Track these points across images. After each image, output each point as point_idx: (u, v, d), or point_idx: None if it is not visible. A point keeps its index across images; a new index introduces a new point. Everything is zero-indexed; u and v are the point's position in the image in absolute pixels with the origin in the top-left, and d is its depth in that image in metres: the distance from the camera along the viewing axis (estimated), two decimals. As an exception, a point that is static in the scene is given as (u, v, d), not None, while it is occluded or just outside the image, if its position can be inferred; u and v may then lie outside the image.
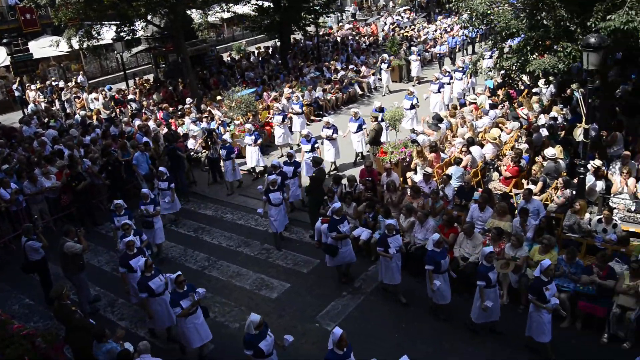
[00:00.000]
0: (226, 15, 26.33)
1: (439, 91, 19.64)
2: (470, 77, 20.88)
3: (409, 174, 13.62)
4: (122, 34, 22.60)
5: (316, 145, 15.01)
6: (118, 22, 22.10)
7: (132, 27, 22.53)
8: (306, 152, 14.87)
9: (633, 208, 11.32)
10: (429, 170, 12.42)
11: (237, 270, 11.84)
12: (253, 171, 16.56)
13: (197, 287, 8.95)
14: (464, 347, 9.05)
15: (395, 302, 10.20)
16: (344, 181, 12.74)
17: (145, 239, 10.95)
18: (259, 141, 16.06)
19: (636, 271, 8.56)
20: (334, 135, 15.61)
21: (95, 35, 21.45)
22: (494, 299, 8.75)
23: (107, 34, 23.07)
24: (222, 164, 15.73)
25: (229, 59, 31.61)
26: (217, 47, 34.49)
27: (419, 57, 25.60)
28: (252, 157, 16.14)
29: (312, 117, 21.04)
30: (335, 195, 12.13)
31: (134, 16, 20.71)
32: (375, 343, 9.03)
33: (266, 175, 13.53)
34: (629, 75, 15.77)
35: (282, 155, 16.89)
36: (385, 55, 25.28)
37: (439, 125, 15.72)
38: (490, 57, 18.37)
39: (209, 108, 20.19)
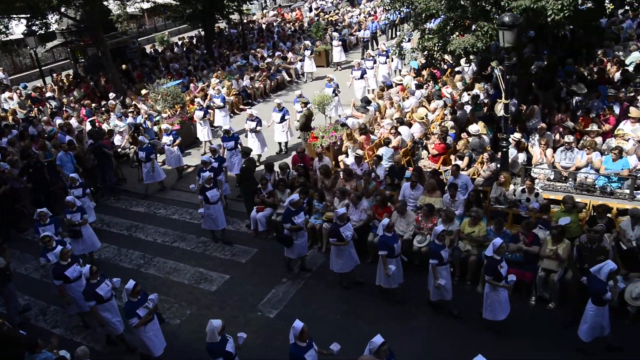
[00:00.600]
0: (146, 5, 25.48)
1: (361, 77, 19.44)
2: (396, 59, 21.23)
3: (340, 158, 13.78)
4: (34, 27, 21.31)
5: (239, 142, 14.60)
6: (28, 15, 20.85)
7: (44, 20, 21.29)
8: (228, 149, 14.35)
9: (552, 177, 11.99)
10: (359, 152, 12.60)
11: (175, 265, 11.64)
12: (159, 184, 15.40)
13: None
14: (406, 325, 9.27)
15: (377, 296, 10.00)
16: (277, 168, 12.73)
17: (70, 248, 9.82)
18: (178, 141, 15.38)
19: (557, 236, 9.08)
20: (258, 128, 15.31)
21: (3, 29, 20.21)
22: (446, 276, 8.92)
23: (18, 28, 21.77)
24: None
25: (152, 50, 30.65)
26: (139, 39, 33.32)
27: (340, 42, 25.44)
28: (172, 159, 15.45)
29: (241, 106, 20.82)
30: (268, 183, 12.12)
31: (46, 8, 19.63)
32: (319, 327, 9.09)
33: (197, 175, 12.93)
34: (542, 51, 16.56)
35: (205, 152, 16.46)
36: (308, 42, 25.17)
37: (367, 107, 15.96)
38: (409, 40, 18.62)
39: (134, 102, 19.56)
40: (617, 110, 13.29)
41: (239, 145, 14.42)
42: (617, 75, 15.67)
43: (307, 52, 24.09)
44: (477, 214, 9.82)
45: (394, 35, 28.95)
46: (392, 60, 21.67)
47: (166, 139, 15.29)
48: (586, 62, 16.80)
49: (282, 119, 15.89)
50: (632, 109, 12.63)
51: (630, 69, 15.86)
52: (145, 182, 14.72)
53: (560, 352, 8.33)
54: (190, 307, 10.12)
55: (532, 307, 9.31)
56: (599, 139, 12.25)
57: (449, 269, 9.15)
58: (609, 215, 10.09)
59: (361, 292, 10.13)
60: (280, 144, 16.49)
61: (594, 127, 12.33)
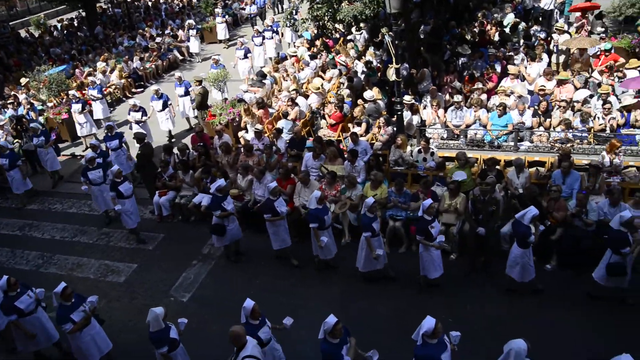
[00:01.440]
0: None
1: (245, 57, 18.60)
2: (289, 31, 21.10)
3: (240, 134, 13.65)
4: None
5: (124, 140, 13.66)
6: None
7: None
8: (112, 149, 13.06)
9: (445, 135, 12.58)
10: (259, 127, 12.53)
11: (77, 261, 11.09)
12: (52, 177, 14.35)
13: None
14: (325, 294, 9.40)
15: (290, 266, 10.08)
16: (176, 150, 12.39)
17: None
18: (51, 141, 14.11)
19: (453, 191, 9.60)
20: (144, 118, 14.42)
21: None
22: (379, 246, 8.96)
23: None
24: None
25: (27, 35, 28.43)
26: (11, 23, 30.80)
27: (224, 19, 24.61)
28: (52, 162, 14.03)
29: (133, 90, 19.95)
30: (169, 165, 11.78)
31: None
32: (231, 305, 9.06)
33: (82, 176, 11.83)
34: (428, 16, 17.12)
35: (86, 148, 15.33)
36: (192, 22, 24.26)
37: (264, 81, 15.84)
38: (296, 13, 18.41)
39: (13, 92, 18.14)
40: (498, 68, 14.13)
41: (123, 145, 13.43)
42: (497, 36, 16.62)
43: (192, 32, 23.28)
44: (377, 178, 10.14)
45: (281, 10, 28.57)
46: (282, 35, 21.46)
47: (37, 140, 13.79)
48: (468, 25, 17.60)
49: (165, 106, 15.01)
50: (510, 66, 13.48)
51: (507, 29, 16.87)
52: (16, 192, 13.29)
53: (458, 297, 8.91)
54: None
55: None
56: (484, 97, 12.96)
57: (382, 240, 9.23)
58: (497, 167, 10.81)
59: (272, 266, 10.20)
60: (169, 132, 15.59)
61: (479, 86, 13.04)
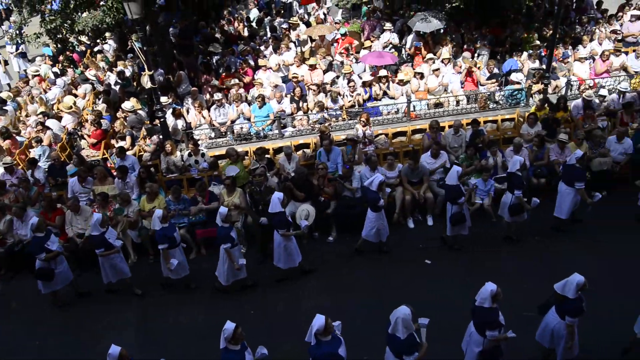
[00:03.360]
0: None
1: None
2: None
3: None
4: None
5: None
6: None
7: None
8: None
9: (213, 135, 12.68)
10: (8, 159, 11.15)
11: None
12: None
13: None
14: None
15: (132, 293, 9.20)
16: None
17: None
18: None
19: (230, 187, 9.73)
20: None
21: None
22: (240, 255, 8.75)
23: None
24: None
25: None
26: None
27: None
28: None
29: None
30: None
31: None
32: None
33: None
34: (176, 18, 17.01)
35: None
36: None
37: (5, 108, 14.07)
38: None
39: None
40: (252, 62, 14.64)
41: None
42: (245, 31, 17.21)
43: None
44: (153, 189, 9.82)
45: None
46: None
47: None
48: (216, 23, 17.90)
49: None
50: (260, 60, 14.15)
51: (254, 24, 17.58)
52: None
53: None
54: None
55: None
56: (242, 91, 13.34)
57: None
58: (268, 156, 11.27)
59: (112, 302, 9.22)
60: None
61: (235, 81, 13.37)
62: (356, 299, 8.73)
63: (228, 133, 12.59)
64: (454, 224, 9.32)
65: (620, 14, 16.99)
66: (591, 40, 15.23)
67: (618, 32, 15.90)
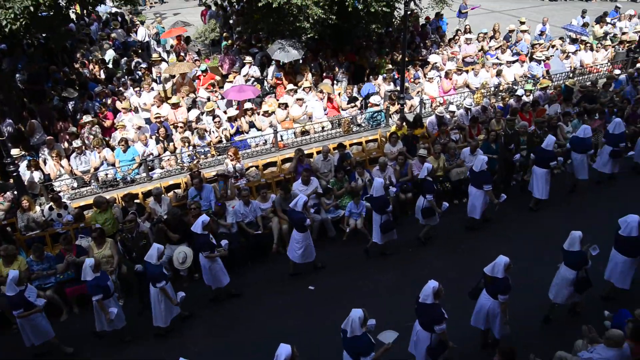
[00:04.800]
0: None
1: None
2: None
3: None
4: None
5: None
6: None
7: None
8: None
9: (76, 185, 11.98)
10: None
11: None
12: None
13: None
14: None
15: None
16: None
17: None
18: None
19: (98, 239, 9.25)
20: None
21: None
22: (116, 304, 8.35)
23: None
24: None
25: None
26: None
27: None
28: None
29: None
30: None
31: None
32: None
33: None
34: (19, 63, 15.95)
35: None
36: None
37: None
38: None
39: None
40: (111, 105, 14.08)
41: None
42: (102, 74, 16.54)
43: None
44: (10, 252, 8.99)
45: None
46: None
47: None
48: (69, 67, 17.02)
49: None
50: (118, 103, 13.70)
51: (110, 65, 16.98)
52: None
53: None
54: None
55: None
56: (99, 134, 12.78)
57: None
58: (137, 200, 10.89)
59: None
60: None
61: (89, 118, 12.80)
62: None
63: (92, 181, 11.96)
64: (385, 231, 9.94)
65: (457, 37, 18.76)
66: (434, 63, 16.61)
67: (457, 52, 17.57)
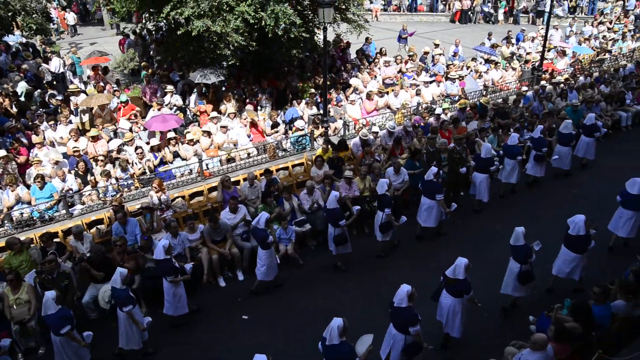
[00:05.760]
0: None
1: None
2: None
3: None
4: None
5: None
6: None
7: None
8: None
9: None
10: None
11: None
12: None
13: None
14: None
15: None
16: None
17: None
18: None
19: (14, 282, 8.72)
20: None
21: None
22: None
23: None
24: None
25: None
26: None
27: None
28: None
29: None
30: None
31: None
32: None
33: None
34: None
35: None
36: None
37: None
38: None
39: None
40: (25, 140, 13.41)
41: None
42: (14, 107, 15.74)
43: None
44: None
45: None
46: None
47: None
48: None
49: None
50: (33, 137, 13.12)
51: (22, 98, 16.23)
52: None
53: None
54: None
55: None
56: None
57: None
58: (56, 239, 10.39)
59: None
60: None
61: (9, 165, 12.16)
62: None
63: (5, 221, 11.29)
64: (338, 244, 10.06)
65: (376, 59, 19.37)
66: (356, 86, 17.04)
67: (375, 73, 18.15)
